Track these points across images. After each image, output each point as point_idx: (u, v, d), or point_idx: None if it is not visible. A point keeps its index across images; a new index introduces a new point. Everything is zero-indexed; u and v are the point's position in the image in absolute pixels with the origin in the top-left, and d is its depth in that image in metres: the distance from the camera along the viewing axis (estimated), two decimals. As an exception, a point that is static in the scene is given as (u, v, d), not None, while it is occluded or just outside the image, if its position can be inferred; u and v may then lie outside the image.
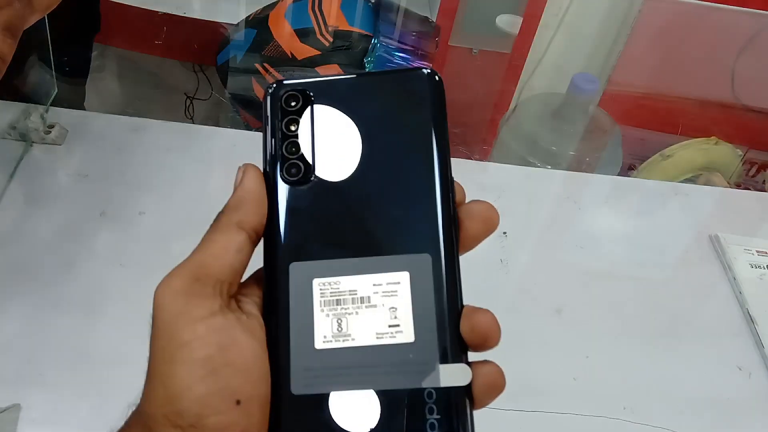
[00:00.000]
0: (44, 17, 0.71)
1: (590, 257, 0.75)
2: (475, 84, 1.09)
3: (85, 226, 0.68)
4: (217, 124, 0.96)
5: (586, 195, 0.84)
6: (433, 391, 0.25)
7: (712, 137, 1.05)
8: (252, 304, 0.28)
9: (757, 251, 0.78)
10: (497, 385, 0.26)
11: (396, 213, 0.28)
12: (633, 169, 1.08)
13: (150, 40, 1.02)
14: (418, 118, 0.29)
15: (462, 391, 0.26)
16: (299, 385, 0.26)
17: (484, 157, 0.92)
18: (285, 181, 0.29)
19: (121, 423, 0.26)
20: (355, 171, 0.28)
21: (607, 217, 0.82)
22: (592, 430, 0.60)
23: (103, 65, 0.96)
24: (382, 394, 0.26)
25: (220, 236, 0.27)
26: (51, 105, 0.77)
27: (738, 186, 1.04)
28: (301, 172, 0.29)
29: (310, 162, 0.29)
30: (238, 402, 0.24)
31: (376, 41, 0.93)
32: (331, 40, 0.91)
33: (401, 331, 0.26)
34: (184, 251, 0.28)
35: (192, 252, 0.27)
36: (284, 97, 0.30)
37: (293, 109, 0.30)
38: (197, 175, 0.74)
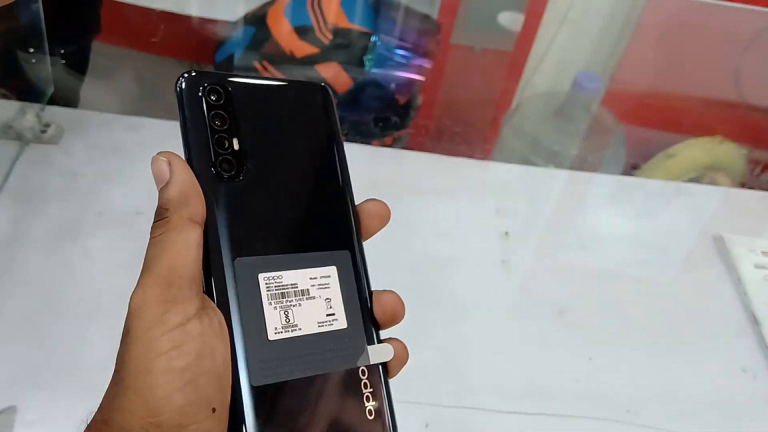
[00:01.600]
0: (41, 15, 0.70)
1: (593, 258, 0.75)
2: (477, 82, 1.08)
3: (82, 227, 0.67)
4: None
5: (588, 195, 0.84)
6: (365, 368, 0.29)
7: (717, 136, 1.05)
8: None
9: (762, 252, 0.77)
10: (404, 358, 0.31)
11: (319, 212, 0.31)
12: (636, 168, 1.07)
13: (147, 38, 1.02)
14: (320, 126, 0.32)
15: (384, 365, 0.30)
16: (258, 376, 0.27)
17: (485, 156, 0.92)
18: (218, 176, 0.28)
19: None
20: (276, 170, 0.30)
21: (610, 217, 0.82)
22: (595, 433, 0.60)
23: (100, 63, 0.96)
24: (328, 376, 0.28)
25: (179, 235, 0.27)
26: (47, 104, 0.77)
27: (743, 186, 1.03)
28: (233, 167, 0.29)
29: (241, 158, 0.29)
30: (213, 410, 0.25)
31: (375, 39, 0.92)
32: (330, 37, 0.90)
33: (337, 319, 0.30)
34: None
35: (153, 256, 0.26)
36: (207, 89, 0.29)
37: (217, 103, 0.29)
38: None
